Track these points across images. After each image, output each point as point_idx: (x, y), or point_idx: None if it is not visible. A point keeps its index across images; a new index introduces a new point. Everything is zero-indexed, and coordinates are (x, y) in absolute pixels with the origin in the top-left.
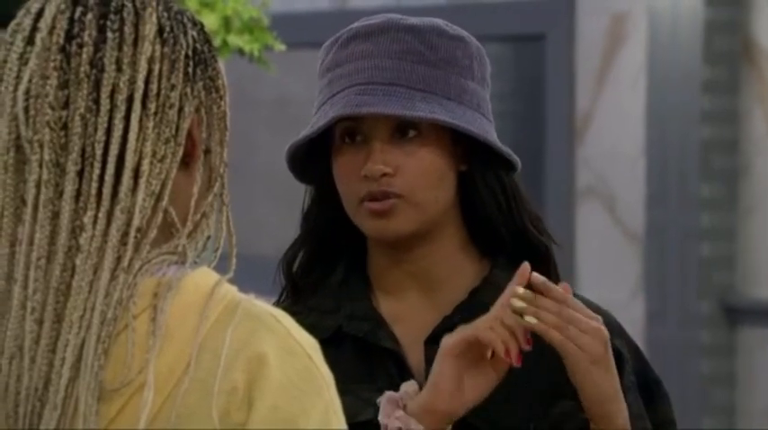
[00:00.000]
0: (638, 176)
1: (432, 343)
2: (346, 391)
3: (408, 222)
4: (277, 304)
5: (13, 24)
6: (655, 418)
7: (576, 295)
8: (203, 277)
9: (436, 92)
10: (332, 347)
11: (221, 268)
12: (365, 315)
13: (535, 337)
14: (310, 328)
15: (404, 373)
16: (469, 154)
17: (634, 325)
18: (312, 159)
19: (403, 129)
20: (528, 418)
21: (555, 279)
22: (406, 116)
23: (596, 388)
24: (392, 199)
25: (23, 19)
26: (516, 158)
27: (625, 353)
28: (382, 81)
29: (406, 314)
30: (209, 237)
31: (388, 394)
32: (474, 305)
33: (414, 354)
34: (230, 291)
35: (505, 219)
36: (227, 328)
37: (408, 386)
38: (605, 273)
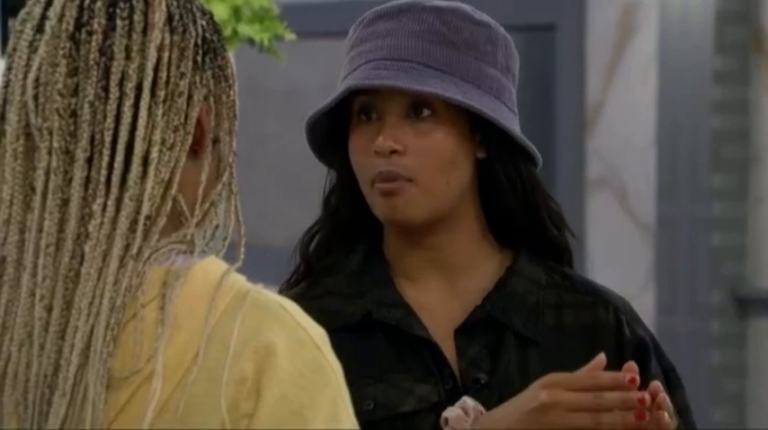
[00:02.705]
0: (649, 167)
1: (461, 333)
2: (382, 380)
3: (419, 206)
4: (288, 285)
5: (22, 13)
6: (673, 405)
7: (591, 281)
8: (212, 266)
9: (453, 73)
10: (359, 333)
11: (230, 258)
12: (393, 302)
13: (566, 330)
14: (334, 315)
15: (439, 363)
16: (488, 141)
17: (645, 315)
18: (333, 142)
19: (417, 108)
20: None
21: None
22: (413, 90)
23: None
24: (401, 181)
25: (33, 7)
26: (537, 152)
27: (649, 342)
28: (399, 58)
29: (428, 301)
30: (217, 227)
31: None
32: (502, 295)
33: (444, 344)
34: (239, 280)
35: (523, 211)
36: (235, 318)
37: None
38: (616, 264)
